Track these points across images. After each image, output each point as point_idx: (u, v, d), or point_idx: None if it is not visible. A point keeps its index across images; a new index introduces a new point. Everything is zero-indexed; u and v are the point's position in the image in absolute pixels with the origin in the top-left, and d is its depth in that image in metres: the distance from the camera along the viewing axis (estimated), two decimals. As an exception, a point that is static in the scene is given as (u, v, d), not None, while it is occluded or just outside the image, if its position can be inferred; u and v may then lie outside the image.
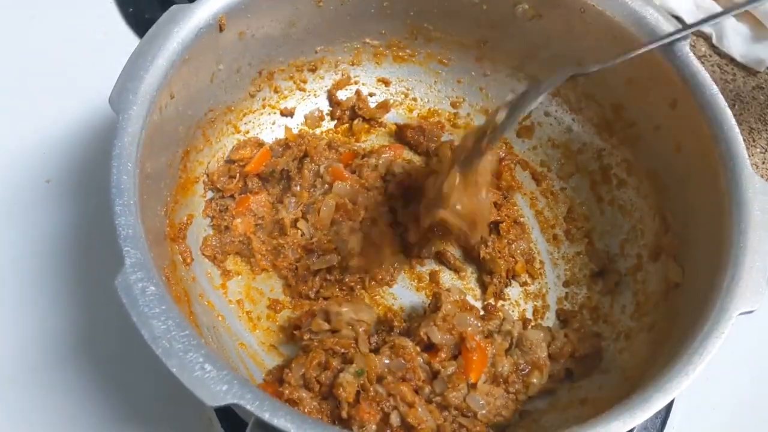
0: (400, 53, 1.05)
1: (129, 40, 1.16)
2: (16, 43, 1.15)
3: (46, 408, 0.86)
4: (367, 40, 1.03)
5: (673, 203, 0.88)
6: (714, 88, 0.82)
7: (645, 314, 0.86)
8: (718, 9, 1.23)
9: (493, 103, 1.07)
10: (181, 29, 0.79)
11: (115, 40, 1.16)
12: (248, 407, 0.58)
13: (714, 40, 1.23)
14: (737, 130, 0.79)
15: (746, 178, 0.75)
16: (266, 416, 0.58)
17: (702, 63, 0.88)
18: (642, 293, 0.88)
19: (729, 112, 0.80)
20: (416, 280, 0.96)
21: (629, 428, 0.61)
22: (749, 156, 1.12)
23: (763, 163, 1.13)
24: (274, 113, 1.03)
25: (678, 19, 1.21)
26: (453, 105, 1.08)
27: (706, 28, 1.23)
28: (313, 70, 1.03)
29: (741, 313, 0.67)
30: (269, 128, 1.03)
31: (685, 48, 0.84)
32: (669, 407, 0.91)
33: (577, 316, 0.93)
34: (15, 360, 0.89)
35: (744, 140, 1.13)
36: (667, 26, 0.84)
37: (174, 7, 0.80)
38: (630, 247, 0.94)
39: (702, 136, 0.81)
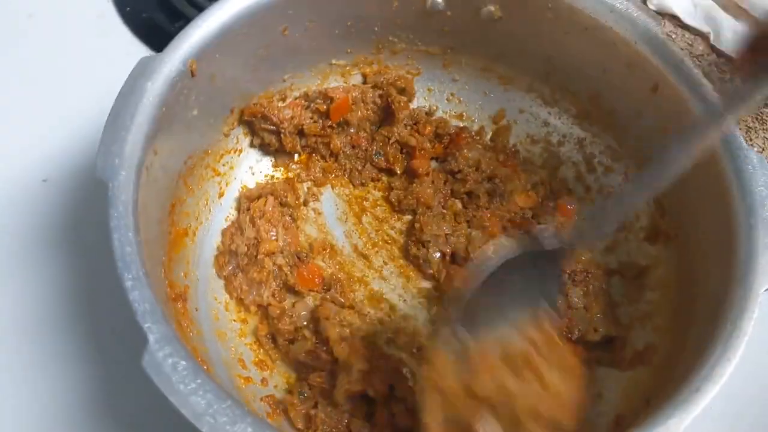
0: (367, 69, 1.03)
1: (126, 40, 1.17)
2: (14, 41, 1.15)
3: None
4: (333, 61, 1.01)
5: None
6: (689, 63, 0.83)
7: (655, 302, 0.87)
8: (716, 8, 1.22)
9: (466, 107, 1.06)
10: (154, 81, 0.75)
11: (113, 39, 1.16)
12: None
13: (712, 39, 1.22)
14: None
15: (744, 153, 0.76)
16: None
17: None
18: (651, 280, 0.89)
19: (710, 86, 0.81)
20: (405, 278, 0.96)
21: (686, 424, 0.61)
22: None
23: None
24: (250, 149, 1.00)
25: (674, 18, 1.20)
26: (427, 113, 1.07)
27: (705, 27, 1.23)
28: (283, 99, 0.99)
29: (767, 289, 0.68)
30: (246, 165, 1.00)
31: (655, 28, 0.85)
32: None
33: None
34: (6, 353, 0.89)
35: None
36: (639, 13, 0.85)
37: (143, 58, 0.76)
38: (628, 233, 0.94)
39: (689, 114, 0.81)
